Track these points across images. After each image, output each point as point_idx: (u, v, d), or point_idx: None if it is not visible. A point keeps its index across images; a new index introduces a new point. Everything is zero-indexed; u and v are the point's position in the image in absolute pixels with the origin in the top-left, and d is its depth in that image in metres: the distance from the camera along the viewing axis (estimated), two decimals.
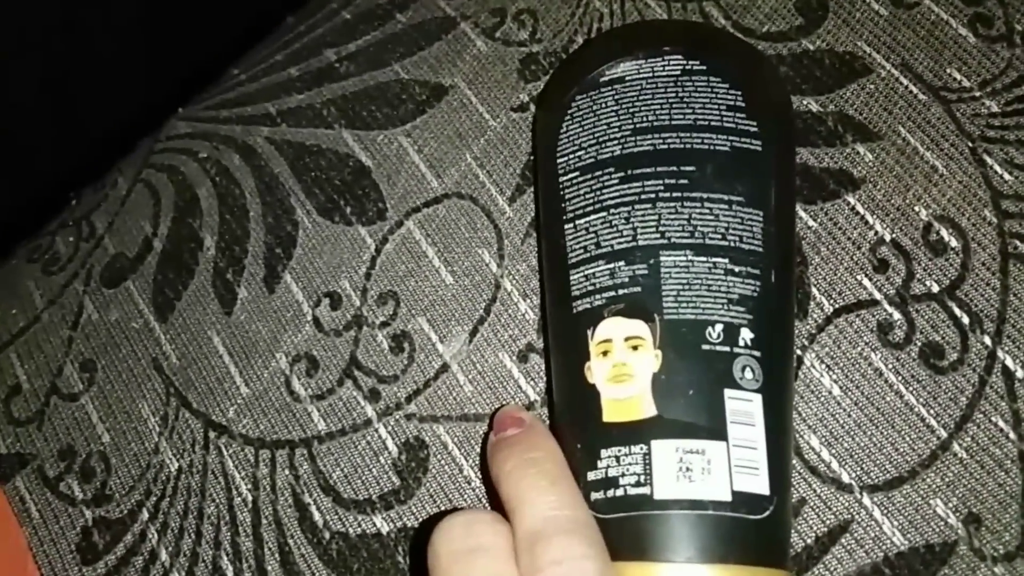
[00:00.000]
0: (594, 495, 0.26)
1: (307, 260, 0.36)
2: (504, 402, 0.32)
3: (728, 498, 0.24)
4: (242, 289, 0.36)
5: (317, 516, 0.32)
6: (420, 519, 0.31)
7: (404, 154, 0.37)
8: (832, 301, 0.31)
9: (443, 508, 0.31)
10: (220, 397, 0.35)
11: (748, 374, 0.26)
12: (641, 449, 0.25)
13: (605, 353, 0.27)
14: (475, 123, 0.37)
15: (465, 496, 0.31)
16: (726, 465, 0.25)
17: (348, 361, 0.34)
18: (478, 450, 0.32)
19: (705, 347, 0.26)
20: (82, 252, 0.39)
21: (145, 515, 0.33)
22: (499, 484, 0.26)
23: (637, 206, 0.29)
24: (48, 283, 0.39)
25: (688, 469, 0.25)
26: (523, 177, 0.35)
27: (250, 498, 0.33)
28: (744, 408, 0.26)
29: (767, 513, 0.25)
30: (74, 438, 0.35)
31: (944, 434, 0.29)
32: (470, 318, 0.34)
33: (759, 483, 0.25)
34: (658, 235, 0.28)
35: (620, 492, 0.25)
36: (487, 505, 0.31)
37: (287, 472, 0.33)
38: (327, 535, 0.32)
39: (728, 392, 0.26)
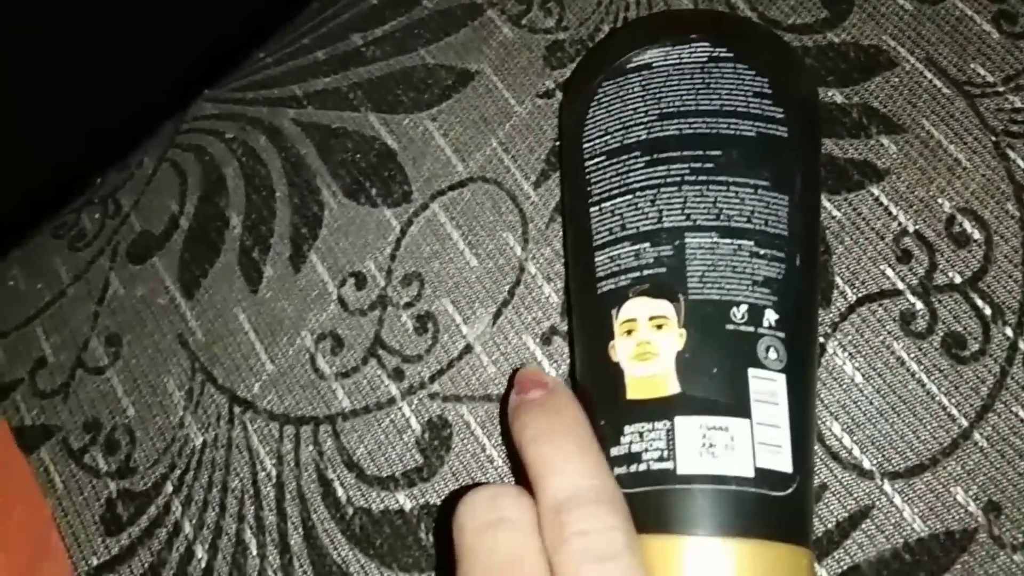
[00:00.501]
0: (617, 470, 0.26)
1: (332, 240, 0.36)
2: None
3: (751, 474, 0.25)
4: (268, 267, 0.36)
5: (340, 492, 0.32)
6: (443, 497, 0.32)
7: (430, 138, 0.37)
8: (855, 290, 0.32)
9: (465, 486, 0.32)
10: (245, 373, 0.35)
11: (772, 354, 0.26)
12: (664, 425, 0.25)
13: (630, 332, 0.27)
14: (500, 108, 0.37)
15: (487, 475, 0.32)
16: (749, 442, 0.25)
17: (373, 340, 0.34)
18: (500, 430, 0.32)
19: (730, 327, 0.26)
20: (108, 229, 0.39)
21: (169, 488, 0.34)
22: (522, 450, 0.25)
23: (663, 189, 0.29)
24: (74, 259, 0.39)
25: (711, 445, 0.25)
26: (548, 162, 0.35)
27: (274, 473, 0.33)
28: (768, 388, 0.26)
29: (790, 491, 0.25)
30: (99, 411, 0.36)
31: (965, 423, 0.30)
32: (494, 300, 0.34)
33: (782, 461, 0.25)
34: (683, 217, 0.28)
35: (643, 467, 0.25)
36: (507, 482, 0.31)
37: (311, 448, 0.33)
38: (350, 511, 0.32)
39: (752, 371, 0.26)
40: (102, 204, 0.41)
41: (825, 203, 0.33)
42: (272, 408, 0.34)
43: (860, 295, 0.32)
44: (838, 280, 0.32)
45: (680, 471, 0.25)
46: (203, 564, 0.33)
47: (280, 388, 0.34)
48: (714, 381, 0.26)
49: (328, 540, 0.32)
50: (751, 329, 0.27)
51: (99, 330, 0.37)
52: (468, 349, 0.33)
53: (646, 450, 0.26)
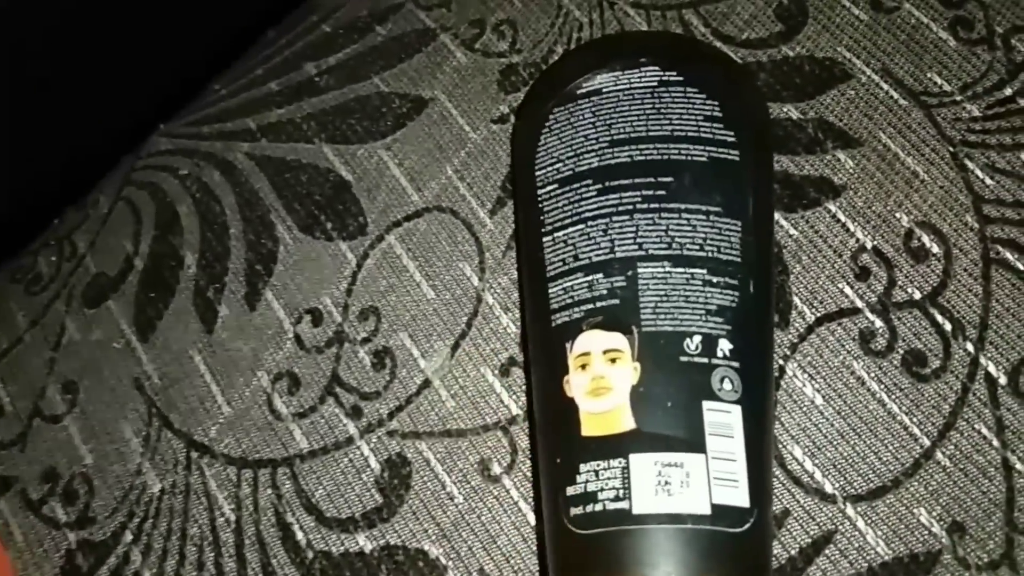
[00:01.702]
0: (573, 510, 0.26)
1: (288, 277, 0.36)
2: (487, 417, 0.32)
3: (707, 511, 0.25)
4: (223, 307, 0.36)
5: (300, 535, 0.32)
6: (403, 537, 0.32)
7: (384, 168, 0.37)
8: (814, 310, 0.32)
9: (426, 525, 0.32)
10: (202, 417, 0.35)
11: (727, 385, 0.26)
12: (620, 463, 0.26)
13: (584, 366, 0.27)
14: (455, 135, 0.37)
15: (448, 513, 0.32)
16: (705, 478, 0.25)
17: (330, 378, 0.34)
18: (460, 466, 0.32)
19: (683, 359, 0.26)
20: (64, 272, 0.40)
21: (128, 537, 0.34)
22: None
23: (615, 218, 0.29)
24: (30, 303, 0.39)
25: (667, 483, 0.25)
26: (503, 189, 0.36)
27: (233, 518, 0.33)
28: (723, 420, 0.26)
29: (747, 526, 0.25)
30: (57, 460, 0.36)
31: (927, 442, 0.30)
32: (452, 332, 0.34)
33: (739, 495, 0.25)
34: (636, 247, 0.28)
35: (599, 507, 0.25)
36: (468, 522, 0.31)
37: (269, 491, 0.33)
38: (310, 554, 0.32)
39: (707, 404, 0.26)
40: (58, 246, 0.41)
41: (782, 221, 0.33)
42: (230, 452, 0.34)
43: (819, 315, 0.32)
44: (796, 300, 0.32)
45: (636, 511, 0.25)
46: None
47: (237, 431, 0.34)
48: (668, 416, 0.26)
49: None
50: (705, 360, 0.27)
51: (56, 377, 0.37)
52: (426, 384, 0.34)
53: (602, 489, 0.26)
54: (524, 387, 0.33)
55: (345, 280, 0.36)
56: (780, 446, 0.30)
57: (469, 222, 0.35)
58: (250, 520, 0.33)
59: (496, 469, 0.32)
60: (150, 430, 0.35)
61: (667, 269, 0.28)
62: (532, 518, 0.31)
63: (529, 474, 0.32)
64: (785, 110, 0.35)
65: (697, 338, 0.27)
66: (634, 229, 0.29)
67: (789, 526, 0.30)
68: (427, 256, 0.35)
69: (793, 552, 0.29)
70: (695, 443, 0.26)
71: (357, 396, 0.34)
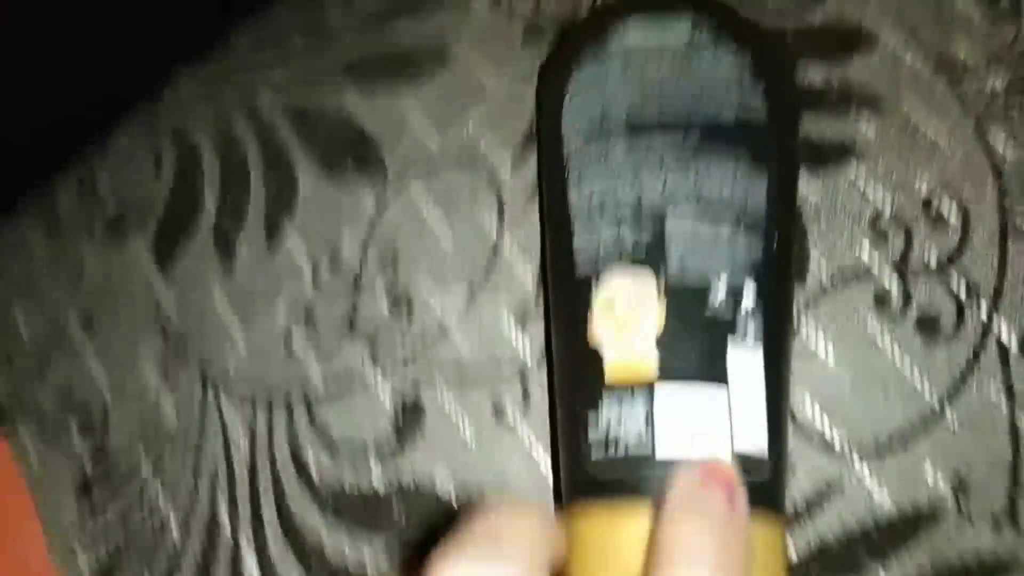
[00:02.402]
0: (594, 455, 0.27)
1: (308, 220, 0.37)
2: (502, 365, 0.33)
3: (729, 456, 0.25)
4: (242, 247, 0.37)
5: (314, 472, 0.33)
6: (416, 477, 0.32)
7: (407, 118, 0.38)
8: (831, 271, 0.32)
9: (439, 468, 0.32)
10: (220, 353, 0.36)
11: (751, 334, 0.27)
12: (643, 410, 0.26)
13: (607, 315, 0.28)
14: (478, 89, 0.38)
15: (460, 456, 0.32)
16: (727, 425, 0.26)
17: (347, 321, 0.35)
18: (474, 411, 0.33)
19: (709, 307, 0.27)
20: (84, 207, 0.40)
21: (145, 470, 0.34)
22: (668, 559, 0.22)
23: (643, 170, 0.29)
24: (50, 238, 0.40)
25: (690, 429, 0.26)
26: (525, 145, 0.36)
27: (248, 454, 0.34)
28: (746, 368, 0.27)
29: (766, 470, 0.26)
30: (74, 392, 0.36)
31: (936, 403, 0.30)
32: (469, 281, 0.35)
33: (759, 443, 0.26)
34: (663, 197, 0.29)
35: (621, 452, 0.26)
36: (481, 466, 0.32)
37: (285, 429, 0.34)
38: (324, 492, 0.33)
39: (731, 352, 0.27)
40: (79, 181, 0.41)
41: (802, 184, 0.34)
42: (246, 389, 0.35)
43: (835, 276, 0.32)
44: (813, 261, 0.33)
45: (659, 455, 0.26)
46: (177, 542, 0.33)
47: (254, 368, 0.35)
48: (693, 363, 0.27)
49: (302, 520, 0.33)
50: (730, 309, 0.27)
51: (75, 310, 0.38)
52: (443, 331, 0.34)
53: (624, 435, 0.26)
54: (540, 336, 0.33)
55: (364, 226, 0.36)
56: (791, 400, 0.31)
57: (490, 175, 0.36)
58: (265, 456, 0.34)
59: (510, 415, 0.33)
60: (167, 364, 0.36)
61: (694, 220, 0.28)
62: (545, 463, 0.32)
63: (542, 421, 0.33)
64: (810, 74, 0.35)
65: (723, 287, 0.27)
66: (662, 182, 0.29)
67: (796, 478, 0.30)
68: (447, 206, 0.36)
69: (799, 503, 0.30)
70: (719, 390, 0.26)
71: (374, 339, 0.34)
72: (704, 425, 0.26)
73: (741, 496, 0.24)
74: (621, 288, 0.28)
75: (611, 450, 0.26)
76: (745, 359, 0.27)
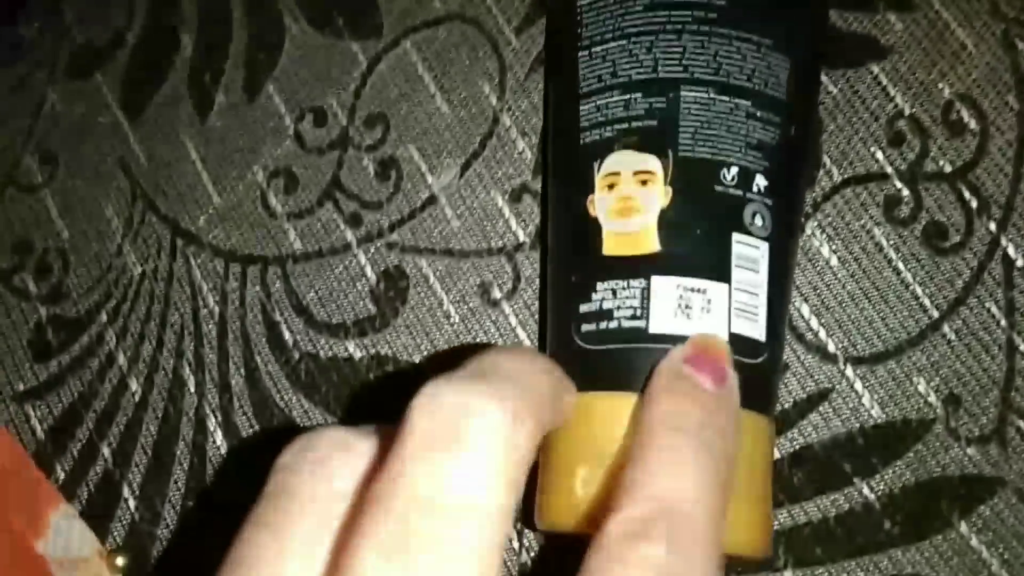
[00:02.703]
0: (585, 327, 0.26)
1: (292, 71, 0.34)
2: (492, 240, 0.32)
3: (725, 338, 0.24)
4: (220, 94, 0.35)
5: (287, 335, 0.32)
6: (395, 349, 0.31)
7: None
8: (842, 171, 0.31)
9: (419, 340, 0.31)
10: (190, 205, 0.34)
11: (758, 220, 0.26)
12: (640, 283, 0.25)
13: (611, 187, 0.26)
14: None
15: (443, 331, 0.31)
16: (726, 306, 0.25)
17: (330, 181, 0.33)
18: (460, 285, 0.32)
19: (718, 188, 0.26)
20: (47, 40, 0.37)
21: (103, 317, 0.33)
22: (651, 428, 0.21)
23: (661, 36, 0.28)
24: (9, 70, 0.37)
25: (687, 306, 0.25)
26: (533, 6, 0.34)
27: (217, 311, 0.32)
28: (750, 254, 0.25)
29: (760, 359, 0.25)
30: (31, 232, 0.34)
31: (936, 314, 0.30)
32: (463, 151, 0.33)
33: (756, 329, 0.25)
34: (680, 68, 0.27)
35: (614, 324, 0.25)
36: (463, 342, 0.31)
37: (258, 288, 0.32)
38: (296, 355, 0.31)
39: (736, 236, 0.25)
40: (42, 13, 0.38)
41: (823, 77, 0.32)
42: (218, 244, 0.33)
43: (846, 176, 0.31)
44: (826, 159, 0.31)
45: (652, 330, 0.25)
46: (137, 397, 0.32)
47: (227, 223, 0.33)
48: (696, 242, 0.25)
49: (271, 383, 0.31)
50: (739, 192, 0.26)
51: (33, 146, 0.35)
52: (432, 200, 0.33)
53: (618, 307, 0.25)
54: (534, 215, 0.32)
55: (354, 82, 0.34)
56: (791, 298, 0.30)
57: (493, 37, 0.34)
58: (235, 315, 0.32)
59: (496, 293, 0.31)
60: (133, 211, 0.34)
61: (711, 95, 0.27)
62: (528, 344, 0.31)
63: (529, 302, 0.31)
64: None
65: (734, 169, 0.26)
66: (681, 50, 0.27)
67: (787, 380, 0.30)
68: (444, 68, 0.34)
69: (788, 405, 0.30)
70: (720, 272, 0.25)
71: (358, 203, 0.33)
72: (702, 303, 0.25)
73: (732, 375, 0.23)
74: (627, 159, 0.27)
75: (604, 322, 0.25)
76: (750, 242, 0.26)
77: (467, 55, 0.34)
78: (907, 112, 0.32)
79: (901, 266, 0.30)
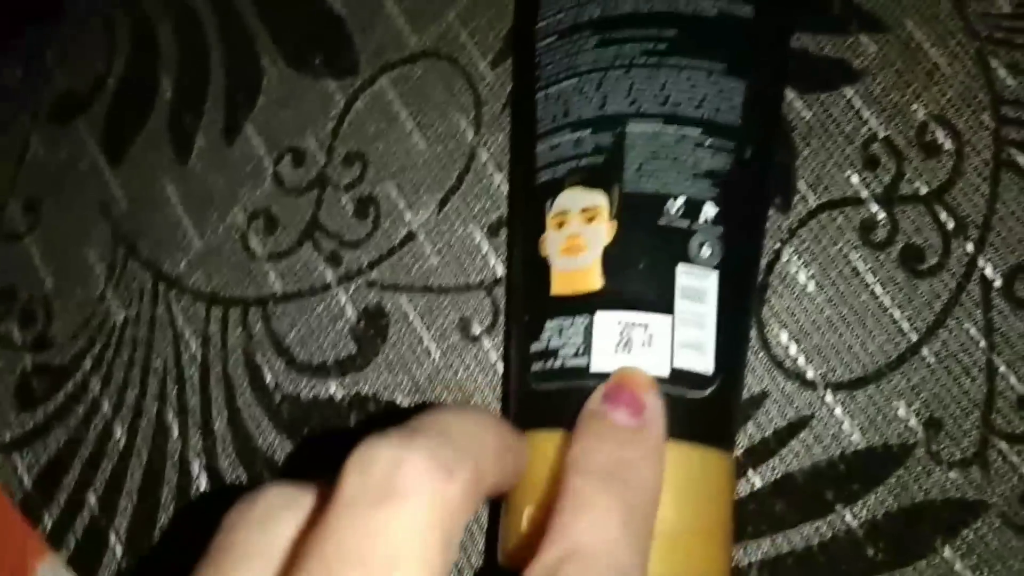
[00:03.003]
0: (534, 366, 0.26)
1: (271, 112, 0.35)
2: (471, 276, 0.32)
3: (666, 373, 0.25)
4: (200, 137, 0.35)
5: (269, 377, 0.32)
6: (376, 387, 0.31)
7: (381, 5, 0.35)
8: (817, 195, 0.31)
9: (400, 378, 0.31)
10: (171, 248, 0.34)
11: (706, 250, 0.26)
12: (584, 321, 0.25)
13: (561, 224, 0.27)
14: None
15: (424, 367, 0.31)
16: (668, 340, 0.25)
17: (309, 221, 0.33)
18: (440, 321, 0.32)
19: (663, 221, 0.26)
20: (30, 85, 0.38)
21: (88, 364, 0.33)
22: (571, 470, 0.22)
23: (610, 72, 0.28)
24: None
25: (628, 342, 0.25)
26: (507, 41, 0.34)
27: (199, 354, 0.33)
28: (696, 284, 0.25)
29: (708, 392, 0.25)
30: (15, 280, 0.35)
31: (915, 337, 0.30)
32: (441, 186, 0.33)
33: (703, 361, 0.25)
34: (628, 103, 0.27)
35: (559, 363, 0.25)
36: (444, 378, 0.31)
37: (239, 330, 0.33)
38: (278, 397, 0.32)
39: (681, 267, 0.25)
40: (25, 58, 0.38)
41: (796, 102, 0.32)
42: (199, 287, 0.33)
43: (821, 201, 0.31)
44: (801, 184, 0.31)
45: (594, 368, 0.25)
46: (122, 444, 0.32)
47: (208, 266, 0.33)
48: (639, 277, 0.26)
49: (254, 426, 0.32)
50: (685, 223, 0.26)
51: (17, 193, 0.36)
52: (411, 236, 0.33)
53: (563, 345, 0.26)
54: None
55: (331, 121, 0.34)
56: (766, 330, 0.30)
57: (468, 72, 0.34)
58: (217, 358, 0.32)
59: (476, 328, 0.32)
60: (116, 256, 0.34)
61: (658, 128, 0.27)
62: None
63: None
64: None
65: (680, 200, 0.26)
66: (629, 85, 0.28)
67: (766, 408, 0.30)
68: (421, 104, 0.34)
69: (768, 433, 0.30)
70: (663, 305, 0.25)
71: (337, 242, 0.33)
72: (643, 337, 0.25)
73: (652, 406, 0.23)
74: (575, 197, 0.27)
75: (550, 361, 0.26)
76: (697, 272, 0.26)
77: (443, 91, 0.34)
78: (881, 135, 0.32)
79: (879, 290, 0.30)
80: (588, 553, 0.20)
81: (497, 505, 0.30)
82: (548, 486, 0.24)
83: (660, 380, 0.25)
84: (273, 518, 0.19)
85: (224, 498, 0.32)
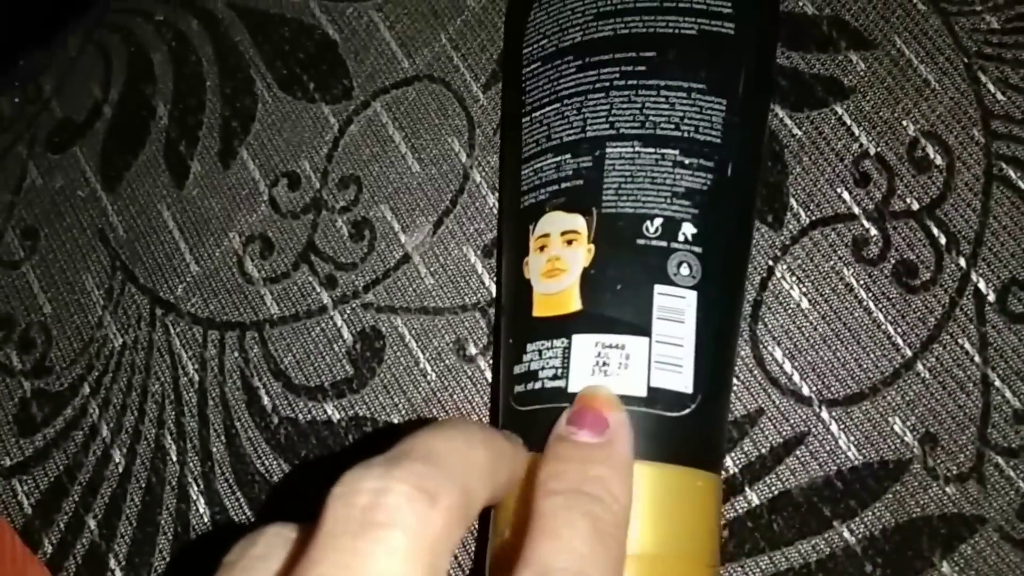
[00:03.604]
0: (516, 388, 0.26)
1: (265, 136, 0.35)
2: (466, 296, 0.32)
3: (643, 394, 0.25)
4: (195, 163, 0.35)
5: (266, 400, 0.32)
6: (373, 409, 0.32)
7: (374, 30, 0.36)
8: (809, 213, 0.31)
9: (396, 399, 0.32)
10: (168, 273, 0.34)
11: (684, 270, 0.26)
12: (562, 343, 0.26)
13: (542, 248, 0.27)
14: (452, 1, 0.36)
15: (420, 389, 0.32)
16: (645, 361, 0.25)
17: (305, 245, 0.34)
18: (435, 342, 0.32)
19: (640, 241, 0.26)
20: (27, 114, 0.38)
21: (87, 389, 0.33)
22: (540, 492, 0.22)
23: (590, 96, 0.28)
24: None
25: (605, 363, 0.25)
26: (499, 63, 0.34)
27: (197, 378, 0.33)
28: (674, 304, 0.26)
29: (687, 411, 0.25)
30: (14, 307, 0.35)
31: (909, 353, 0.30)
32: (435, 209, 0.33)
33: (681, 381, 0.25)
34: (607, 125, 0.28)
35: (538, 385, 0.26)
36: (440, 399, 0.31)
37: (236, 354, 0.33)
38: (275, 420, 0.32)
39: (659, 288, 0.26)
40: (22, 87, 0.39)
41: (786, 120, 0.32)
42: (196, 311, 0.33)
43: (814, 218, 0.31)
44: (792, 202, 0.32)
45: (571, 389, 0.25)
46: (121, 468, 0.33)
47: (205, 291, 0.34)
48: (616, 298, 0.26)
49: (251, 448, 0.32)
50: (663, 244, 0.26)
51: (15, 222, 0.36)
52: (406, 259, 0.33)
53: (543, 368, 0.26)
54: None
55: (326, 145, 0.35)
56: (761, 346, 0.31)
57: (461, 95, 0.34)
58: (215, 382, 0.32)
59: (472, 349, 0.32)
60: (113, 283, 0.34)
61: (636, 149, 0.27)
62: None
63: None
64: (800, 5, 0.34)
65: (658, 220, 0.26)
66: (608, 107, 0.28)
67: (762, 425, 0.30)
68: (414, 127, 0.34)
69: (764, 450, 0.30)
70: (640, 326, 0.25)
71: (333, 265, 0.33)
72: (620, 358, 0.25)
73: (617, 422, 0.24)
74: (556, 221, 0.27)
75: (530, 383, 0.26)
76: (675, 293, 0.26)
77: (436, 113, 0.34)
78: (872, 151, 0.32)
79: (872, 306, 0.31)
80: (559, 569, 0.20)
81: (485, 524, 0.30)
82: (527, 508, 0.24)
83: (638, 400, 0.25)
84: (272, 556, 0.19)
85: (222, 522, 0.32)
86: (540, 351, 0.26)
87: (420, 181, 0.34)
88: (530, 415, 0.26)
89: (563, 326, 0.26)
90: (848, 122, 0.32)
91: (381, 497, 0.17)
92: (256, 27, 0.37)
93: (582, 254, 0.26)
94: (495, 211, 0.33)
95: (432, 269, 0.33)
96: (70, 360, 0.34)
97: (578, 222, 0.27)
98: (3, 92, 0.39)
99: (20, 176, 0.37)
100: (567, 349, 0.25)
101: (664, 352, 0.25)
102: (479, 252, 0.33)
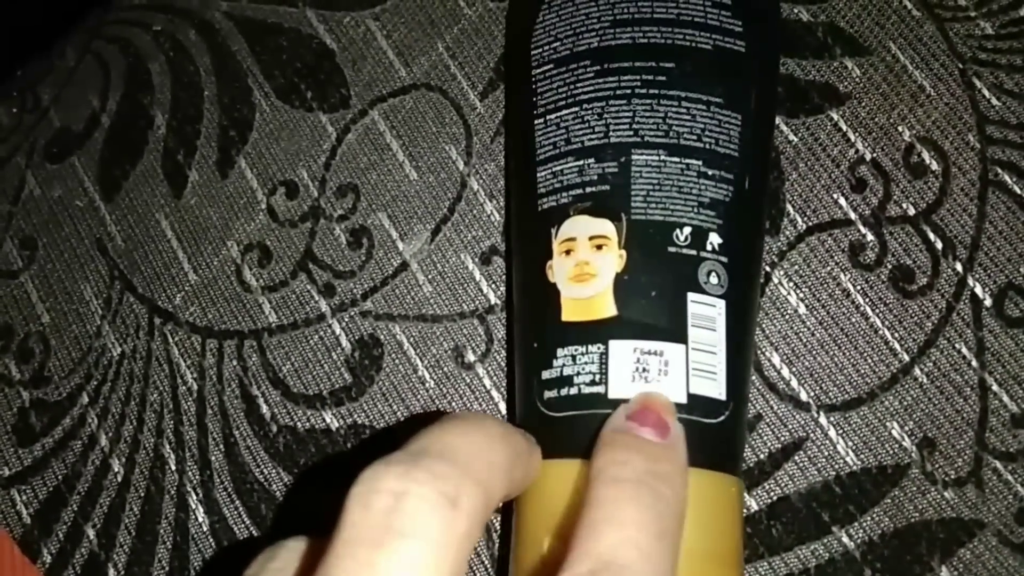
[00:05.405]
0: (547, 393, 0.26)
1: (263, 145, 0.35)
2: (464, 304, 0.32)
3: (684, 400, 0.25)
4: (193, 172, 0.35)
5: (264, 409, 0.32)
6: (371, 417, 0.32)
7: (371, 39, 0.36)
8: (806, 219, 0.32)
9: (395, 407, 0.32)
10: (167, 283, 0.34)
11: (713, 279, 0.26)
12: (598, 348, 0.25)
13: (568, 252, 0.27)
14: (449, 10, 0.36)
15: (419, 396, 0.32)
16: (684, 368, 0.25)
17: (303, 253, 0.34)
18: (434, 350, 0.32)
19: (671, 249, 0.26)
20: (25, 124, 0.38)
21: (85, 399, 0.33)
22: (597, 480, 0.21)
23: (612, 101, 0.28)
24: None
25: (645, 370, 0.25)
26: (496, 71, 0.35)
27: (195, 387, 0.33)
28: (706, 313, 0.26)
29: (722, 418, 0.25)
30: (12, 317, 0.35)
31: (906, 358, 0.30)
32: (433, 216, 0.33)
33: (716, 388, 0.25)
34: (631, 132, 0.28)
35: (574, 390, 0.26)
36: (438, 407, 0.31)
37: (235, 363, 0.33)
38: (274, 428, 0.32)
39: (691, 296, 0.26)
40: (20, 97, 0.39)
41: (782, 126, 0.32)
42: (194, 320, 0.33)
43: (810, 224, 0.31)
44: (789, 208, 0.32)
45: (612, 395, 0.25)
46: (119, 477, 0.33)
47: (203, 299, 0.34)
48: (652, 305, 0.26)
49: (250, 457, 0.32)
50: (693, 252, 0.26)
51: (13, 232, 0.36)
52: (404, 266, 0.33)
53: (578, 373, 0.26)
54: (504, 276, 0.32)
55: (324, 154, 0.35)
56: (758, 352, 0.31)
57: (458, 103, 0.34)
58: (213, 390, 0.33)
59: (470, 357, 0.32)
60: (111, 292, 0.34)
61: (662, 157, 0.27)
62: (504, 407, 0.31)
63: (503, 364, 0.32)
64: (796, 11, 0.34)
65: (687, 229, 0.27)
66: (631, 114, 0.28)
67: (760, 430, 0.30)
68: (412, 135, 0.34)
69: (762, 456, 0.30)
70: (676, 333, 0.25)
71: (331, 274, 0.33)
72: (659, 365, 0.25)
73: (676, 428, 0.23)
74: (582, 225, 0.27)
75: (564, 388, 0.26)
76: (706, 301, 0.26)
77: (433, 121, 0.34)
78: (868, 157, 0.32)
79: (869, 311, 0.31)
80: (622, 564, 0.19)
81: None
82: (567, 513, 0.24)
83: (677, 406, 0.25)
84: (292, 569, 0.19)
85: (221, 531, 0.32)
86: (574, 356, 0.26)
87: (418, 189, 0.34)
88: (565, 421, 0.26)
89: (597, 331, 0.26)
90: (844, 128, 0.32)
91: (401, 502, 0.17)
92: (254, 37, 0.37)
93: (613, 259, 0.26)
94: (492, 219, 0.33)
95: (430, 277, 0.33)
96: (68, 370, 0.34)
97: (607, 227, 0.27)
98: (1, 102, 0.39)
99: (18, 186, 0.37)
100: (604, 355, 0.25)
101: (700, 359, 0.25)
102: (477, 259, 0.33)
